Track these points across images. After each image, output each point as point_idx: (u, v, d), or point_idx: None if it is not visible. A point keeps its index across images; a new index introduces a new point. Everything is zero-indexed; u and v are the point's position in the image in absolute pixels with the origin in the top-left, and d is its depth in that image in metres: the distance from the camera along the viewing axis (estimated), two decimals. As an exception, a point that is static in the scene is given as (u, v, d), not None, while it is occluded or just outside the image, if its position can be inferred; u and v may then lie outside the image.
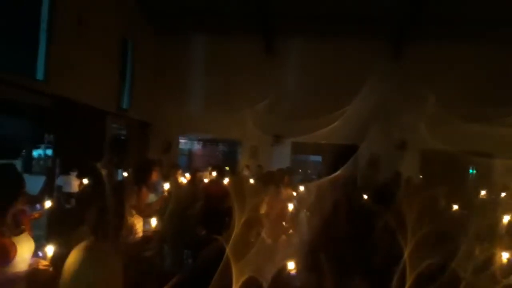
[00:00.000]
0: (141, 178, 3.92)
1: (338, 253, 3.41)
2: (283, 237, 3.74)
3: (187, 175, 6.00)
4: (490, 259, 2.83)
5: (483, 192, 5.78)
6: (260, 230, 3.03)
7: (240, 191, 3.08)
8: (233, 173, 6.71)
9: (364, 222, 4.10)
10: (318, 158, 12.49)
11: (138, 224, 3.52)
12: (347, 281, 3.14)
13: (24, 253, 2.42)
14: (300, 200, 4.71)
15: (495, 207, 4.90)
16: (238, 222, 2.38)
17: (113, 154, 8.11)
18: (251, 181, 5.90)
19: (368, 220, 4.07)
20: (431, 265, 2.44)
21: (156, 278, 3.39)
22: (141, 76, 9.92)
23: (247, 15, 9.88)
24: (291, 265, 2.49)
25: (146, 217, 3.60)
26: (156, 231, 3.49)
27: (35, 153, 15.26)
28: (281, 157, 10.16)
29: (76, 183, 5.33)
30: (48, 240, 2.69)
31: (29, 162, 14.47)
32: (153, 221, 3.47)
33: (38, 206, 3.67)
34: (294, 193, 4.94)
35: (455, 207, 4.62)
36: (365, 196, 5.17)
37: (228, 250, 2.11)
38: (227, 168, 7.11)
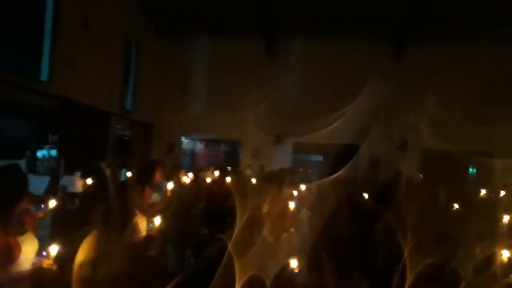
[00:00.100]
0: (145, 178, 3.96)
1: (339, 253, 3.43)
2: (285, 235, 3.77)
3: (190, 175, 6.03)
4: (490, 259, 2.83)
5: (483, 192, 5.79)
6: (261, 229, 3.06)
7: (242, 191, 3.12)
8: (235, 173, 6.73)
9: (364, 221, 4.12)
10: (320, 158, 12.50)
11: (142, 224, 3.55)
12: (348, 280, 3.17)
13: (28, 252, 2.45)
14: (301, 200, 4.73)
15: (495, 207, 4.91)
16: (240, 221, 2.42)
17: (116, 154, 8.15)
18: (253, 180, 5.92)
19: (368, 219, 4.09)
20: (431, 264, 2.46)
21: (159, 277, 3.42)
22: (144, 77, 9.97)
23: (248, 15, 9.91)
24: (293, 263, 2.52)
25: (149, 216, 3.64)
26: (159, 231, 3.52)
27: (40, 153, 15.35)
28: (283, 157, 10.19)
29: (80, 183, 5.37)
30: (52, 240, 2.72)
31: (33, 162, 14.56)
32: (157, 221, 3.50)
33: (42, 206, 3.72)
34: (295, 193, 4.95)
35: (456, 206, 4.63)
36: (366, 196, 5.19)
37: (230, 248, 2.15)
38: (229, 168, 7.14)
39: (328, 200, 4.26)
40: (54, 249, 2.56)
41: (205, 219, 4.85)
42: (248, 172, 8.42)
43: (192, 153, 12.80)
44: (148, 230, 3.57)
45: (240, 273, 2.05)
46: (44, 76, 6.30)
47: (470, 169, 10.35)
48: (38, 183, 4.89)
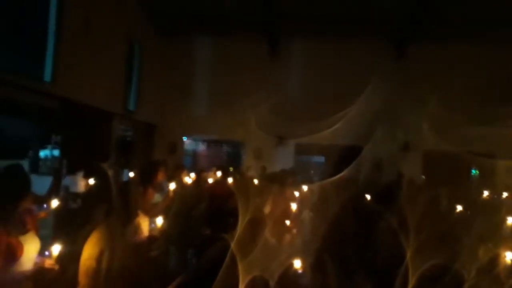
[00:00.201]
0: (147, 178, 3.97)
1: (341, 254, 3.42)
2: (287, 236, 3.77)
3: (192, 175, 6.04)
4: (494, 260, 2.82)
5: (485, 193, 5.77)
6: (264, 230, 3.05)
7: (244, 191, 3.12)
8: (237, 174, 6.74)
9: (367, 223, 4.11)
10: (322, 159, 12.49)
11: (144, 224, 3.56)
12: (350, 281, 3.16)
13: (30, 252, 2.46)
14: (303, 201, 4.73)
15: (498, 208, 4.88)
16: (242, 222, 2.41)
17: (119, 154, 8.17)
18: (255, 181, 5.93)
19: (371, 221, 4.08)
20: (434, 266, 2.45)
21: (161, 278, 3.42)
22: (147, 78, 9.99)
23: (250, 16, 9.92)
24: (297, 263, 2.51)
25: (151, 217, 3.64)
26: (161, 231, 3.53)
27: (42, 153, 15.39)
28: (285, 158, 10.19)
29: (83, 183, 5.38)
30: (54, 240, 2.72)
31: (36, 162, 14.61)
32: (159, 221, 3.51)
33: (45, 205, 3.72)
34: (297, 193, 4.95)
35: (458, 207, 4.61)
36: (368, 197, 5.18)
37: (233, 249, 2.14)
38: (231, 169, 7.14)
39: (330, 201, 4.25)
40: (56, 249, 2.56)
41: (207, 219, 4.85)
42: (250, 173, 8.42)
43: (194, 154, 12.82)
44: (150, 231, 3.57)
45: (243, 274, 2.05)
46: (47, 76, 6.32)
47: (473, 171, 10.32)
48: (40, 183, 4.90)
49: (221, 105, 10.30)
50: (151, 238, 3.51)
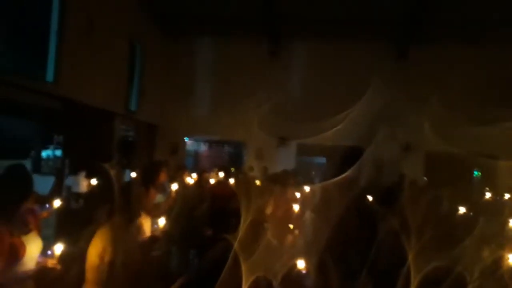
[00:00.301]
0: (149, 178, 3.97)
1: (344, 255, 3.42)
2: (289, 237, 3.76)
3: (194, 176, 6.04)
4: (497, 262, 2.81)
5: (488, 194, 5.75)
6: (266, 230, 3.05)
7: (246, 192, 3.11)
8: (238, 174, 6.74)
9: (369, 224, 4.10)
10: (323, 160, 12.48)
11: (146, 224, 3.56)
12: (352, 282, 3.15)
13: (32, 252, 2.46)
14: (305, 201, 4.72)
15: (501, 209, 4.87)
16: (244, 222, 2.41)
17: (121, 155, 8.18)
18: (257, 182, 5.92)
19: (373, 222, 4.08)
20: (437, 268, 2.44)
21: (164, 278, 3.42)
22: (149, 78, 10.00)
23: (251, 17, 9.94)
24: (301, 264, 2.51)
25: (154, 217, 3.64)
26: (163, 231, 3.53)
27: (44, 153, 15.42)
28: (286, 159, 10.18)
29: (85, 183, 5.39)
30: (56, 239, 2.73)
31: (38, 162, 14.63)
32: (161, 221, 3.51)
33: (47, 205, 3.73)
34: (299, 194, 4.95)
35: (460, 209, 4.60)
36: (370, 198, 5.17)
37: (236, 249, 2.15)
38: (232, 169, 7.14)
39: (332, 202, 4.25)
40: (58, 249, 2.57)
41: (209, 220, 4.85)
42: (252, 173, 8.42)
43: (196, 154, 12.82)
44: (152, 231, 3.57)
45: (246, 274, 2.05)
46: (49, 77, 6.33)
47: (475, 172, 10.30)
48: (42, 183, 4.90)
49: (222, 106, 10.31)
50: (153, 239, 3.51)
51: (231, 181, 5.74)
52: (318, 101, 9.97)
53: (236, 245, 2.18)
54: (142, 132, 10.30)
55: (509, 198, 5.82)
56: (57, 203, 3.70)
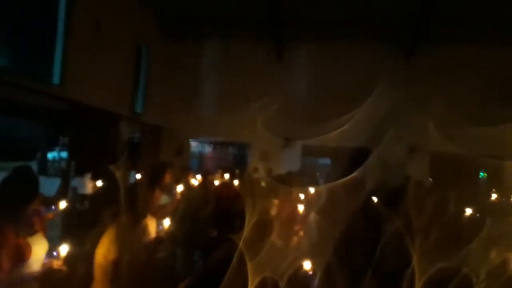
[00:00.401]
0: (155, 180, 3.99)
1: (349, 256, 3.41)
2: (294, 238, 3.76)
3: (198, 177, 6.05)
4: (504, 264, 2.79)
5: (494, 195, 5.70)
6: (271, 232, 3.05)
7: (251, 193, 3.12)
8: (243, 176, 6.74)
9: (374, 225, 4.08)
10: (328, 161, 12.44)
11: (151, 226, 3.57)
12: (358, 283, 3.14)
13: (38, 253, 2.47)
14: (310, 203, 4.71)
15: (507, 211, 4.83)
16: (248, 223, 2.41)
17: (126, 156, 8.20)
18: (262, 183, 5.92)
19: (378, 223, 4.06)
20: (442, 269, 2.42)
21: (168, 280, 3.43)
22: (155, 81, 10.05)
23: (257, 20, 9.96)
24: (307, 265, 2.50)
25: (159, 218, 3.65)
26: (168, 233, 3.53)
27: (50, 155, 15.49)
28: (291, 160, 10.18)
29: (90, 185, 5.42)
30: (62, 241, 2.74)
31: (44, 164, 14.70)
32: (166, 223, 3.52)
33: (53, 207, 3.76)
34: (304, 196, 4.93)
35: (467, 210, 4.57)
36: (375, 199, 5.15)
37: (241, 250, 2.14)
38: (237, 171, 7.14)
39: (338, 203, 4.24)
40: (64, 250, 2.58)
41: (213, 221, 4.85)
42: (256, 175, 8.42)
43: (201, 156, 12.83)
44: (157, 232, 3.58)
45: (252, 275, 2.05)
46: (55, 79, 6.38)
47: (481, 173, 10.22)
48: (48, 185, 4.95)
49: (227, 108, 10.32)
50: (158, 240, 3.52)
51: (236, 182, 5.74)
52: (323, 102, 9.95)
53: (241, 244, 2.18)
54: (147, 133, 10.34)
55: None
56: (63, 204, 3.72)
